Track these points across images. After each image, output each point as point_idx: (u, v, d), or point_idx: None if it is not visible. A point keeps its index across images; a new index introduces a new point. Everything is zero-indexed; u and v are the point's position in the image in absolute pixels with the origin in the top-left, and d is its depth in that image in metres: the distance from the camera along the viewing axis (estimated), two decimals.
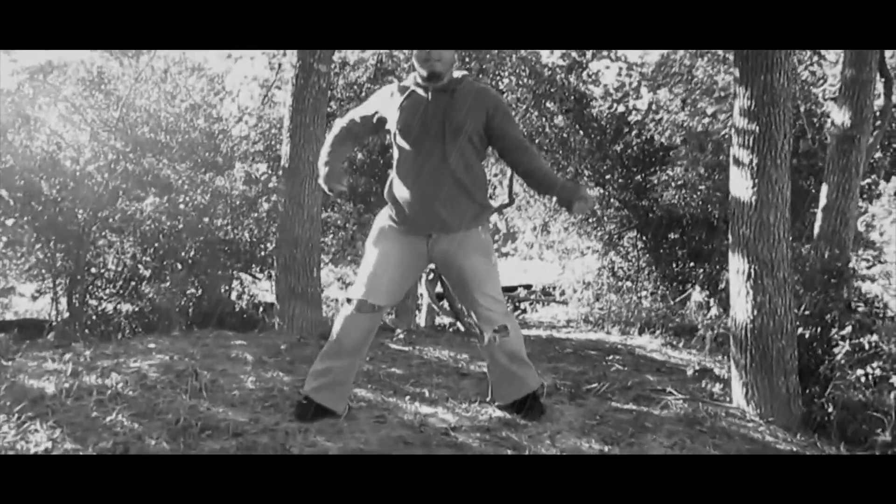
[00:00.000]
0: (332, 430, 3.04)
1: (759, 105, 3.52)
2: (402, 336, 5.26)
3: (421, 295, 8.21)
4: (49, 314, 7.09)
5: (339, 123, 3.08)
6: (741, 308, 3.67)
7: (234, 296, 7.49)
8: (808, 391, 3.88)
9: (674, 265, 10.31)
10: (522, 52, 10.87)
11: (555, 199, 2.77)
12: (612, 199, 10.73)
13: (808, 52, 8.38)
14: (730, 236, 3.78)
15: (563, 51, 10.46)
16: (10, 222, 6.81)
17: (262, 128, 7.82)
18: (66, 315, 6.84)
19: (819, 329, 4.08)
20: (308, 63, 5.10)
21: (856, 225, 4.81)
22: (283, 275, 5.25)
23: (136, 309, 6.98)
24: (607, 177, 10.79)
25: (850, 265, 4.42)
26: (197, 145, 6.86)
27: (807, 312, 4.12)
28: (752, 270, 3.61)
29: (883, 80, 5.53)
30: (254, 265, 7.43)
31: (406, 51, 8.89)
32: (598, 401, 3.81)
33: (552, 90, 10.44)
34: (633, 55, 12.78)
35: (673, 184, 9.63)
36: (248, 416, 3.24)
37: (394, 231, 2.94)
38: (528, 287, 11.54)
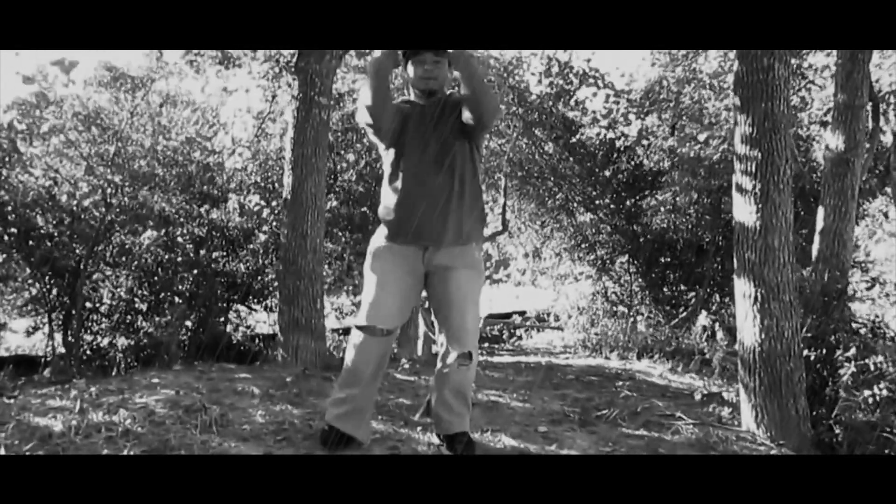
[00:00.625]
0: None
1: (761, 132, 3.59)
2: (406, 366, 5.26)
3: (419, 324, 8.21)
4: (45, 349, 7.02)
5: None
6: (749, 332, 3.71)
7: (230, 328, 7.46)
8: (815, 413, 3.91)
9: (665, 289, 10.39)
10: (511, 80, 11.02)
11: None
12: (602, 225, 10.83)
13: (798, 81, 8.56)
14: (734, 261, 3.83)
15: (551, 78, 10.64)
16: (1, 258, 6.78)
17: (258, 159, 7.83)
18: (62, 350, 6.78)
19: (823, 351, 4.13)
20: (308, 96, 5.15)
21: (852, 247, 4.87)
22: (287, 306, 5.23)
23: (132, 343, 6.94)
24: (598, 202, 10.89)
25: (850, 287, 4.49)
26: (193, 178, 6.87)
27: (808, 335, 4.16)
28: (759, 294, 3.65)
29: (871, 104, 5.66)
30: (251, 297, 7.40)
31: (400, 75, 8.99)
32: (609, 427, 3.82)
33: (542, 118, 10.58)
34: (619, 82, 12.95)
35: (662, 208, 9.73)
36: (261, 450, 3.22)
37: (389, 250, 2.94)
38: (522, 313, 11.54)
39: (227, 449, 3.21)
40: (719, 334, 5.16)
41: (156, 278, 6.50)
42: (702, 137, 7.76)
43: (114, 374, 6.20)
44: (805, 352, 3.98)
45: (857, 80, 4.77)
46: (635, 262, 10.44)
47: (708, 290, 9.88)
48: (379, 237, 3.01)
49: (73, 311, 6.70)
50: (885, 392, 3.80)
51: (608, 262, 10.78)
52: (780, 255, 3.61)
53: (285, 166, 5.43)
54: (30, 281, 7.09)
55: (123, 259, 6.67)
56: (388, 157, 2.98)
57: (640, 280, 10.44)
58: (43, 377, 6.20)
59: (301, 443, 3.30)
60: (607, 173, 10.57)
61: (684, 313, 9.43)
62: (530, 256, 12.28)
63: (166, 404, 3.90)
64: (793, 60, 3.90)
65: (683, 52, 10.07)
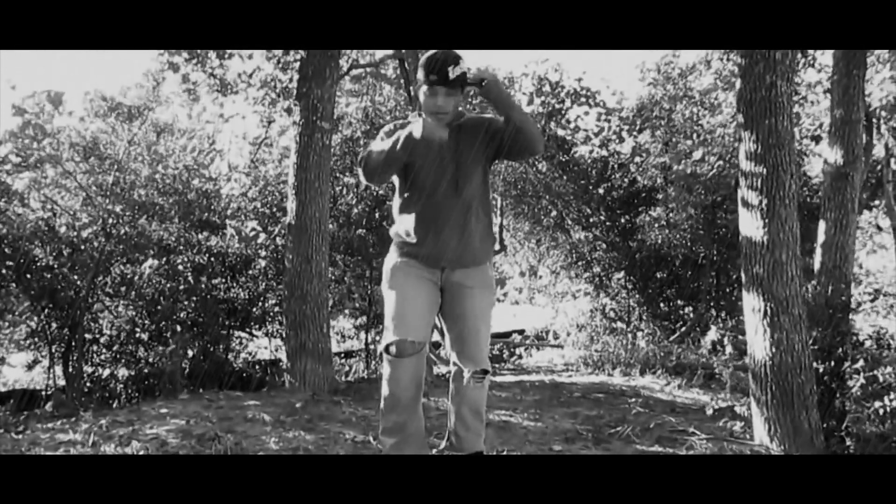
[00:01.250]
0: None
1: (765, 148, 3.64)
2: None
3: None
4: (45, 383, 6.95)
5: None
6: (759, 346, 3.73)
7: (231, 355, 7.42)
8: (825, 425, 3.93)
9: (663, 304, 10.43)
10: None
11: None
12: (598, 242, 10.88)
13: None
14: (743, 276, 3.86)
15: (543, 98, 10.75)
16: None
17: (258, 185, 7.85)
18: (62, 383, 6.72)
19: (831, 363, 4.15)
20: (311, 121, 5.18)
21: (853, 259, 4.92)
22: (293, 331, 5.22)
23: (133, 373, 6.89)
24: (592, 219, 10.95)
25: (853, 300, 4.53)
26: (192, 205, 6.87)
27: (815, 347, 4.19)
28: (768, 308, 3.67)
29: (865, 119, 5.73)
30: (251, 323, 7.38)
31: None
32: (623, 444, 3.83)
33: None
34: (610, 100, 13.07)
35: (656, 224, 9.79)
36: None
37: (407, 265, 2.93)
38: (521, 332, 11.54)
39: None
40: (728, 349, 5.17)
41: (158, 307, 6.45)
42: (697, 154, 7.83)
43: (115, 405, 6.16)
44: (813, 364, 4.01)
45: (854, 95, 4.85)
46: (631, 278, 10.49)
47: (705, 305, 9.94)
48: (394, 255, 2.99)
49: (74, 343, 6.65)
50: (894, 403, 3.82)
51: (605, 278, 10.81)
52: (788, 269, 3.64)
53: (289, 191, 5.44)
54: (27, 314, 7.03)
55: (124, 289, 6.63)
56: (401, 181, 2.98)
57: (637, 296, 10.48)
58: (45, 411, 6.14)
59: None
60: (601, 191, 10.65)
61: (683, 328, 9.47)
62: (526, 275, 12.31)
63: (178, 434, 3.88)
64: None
65: (678, 71, 10.19)
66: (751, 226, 3.74)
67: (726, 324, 8.54)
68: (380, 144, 2.80)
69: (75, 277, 6.51)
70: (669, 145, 9.29)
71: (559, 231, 11.52)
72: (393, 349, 2.83)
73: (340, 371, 7.78)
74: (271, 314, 7.49)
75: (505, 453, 3.60)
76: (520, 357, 10.17)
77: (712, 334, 5.95)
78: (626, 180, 10.46)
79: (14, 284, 6.51)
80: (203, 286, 6.81)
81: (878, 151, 8.60)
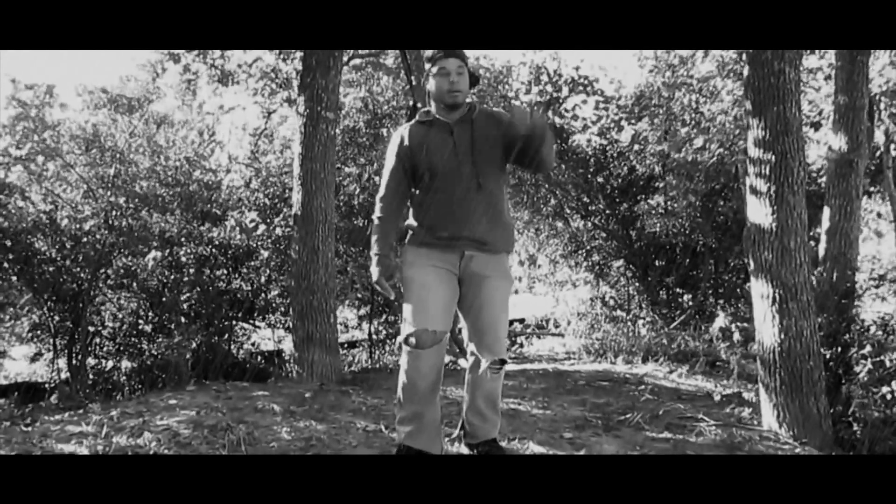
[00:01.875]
0: None
1: (774, 135, 3.65)
2: None
3: None
4: (49, 376, 6.96)
5: (378, 206, 3.02)
6: (768, 332, 3.75)
7: (234, 346, 7.43)
8: (832, 411, 3.96)
9: (662, 292, 10.47)
10: (500, 89, 11.12)
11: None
12: (597, 230, 10.91)
13: None
14: (751, 262, 3.88)
15: (540, 87, 10.74)
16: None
17: (261, 176, 7.83)
18: (67, 375, 6.72)
19: (838, 349, 4.18)
20: (315, 111, 5.16)
21: (859, 245, 4.94)
22: (301, 322, 5.22)
23: (137, 365, 6.90)
24: (591, 208, 10.97)
25: (858, 286, 4.56)
26: (194, 197, 6.85)
27: (820, 333, 4.22)
28: (777, 295, 3.69)
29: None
30: (255, 313, 7.38)
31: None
32: (633, 431, 3.85)
33: None
34: (608, 88, 13.06)
35: (653, 212, 9.80)
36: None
37: (425, 257, 2.93)
38: (521, 321, 11.58)
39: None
40: (736, 335, 5.20)
41: (164, 299, 6.45)
42: (698, 142, 7.84)
43: (120, 397, 6.16)
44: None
45: (858, 82, 4.86)
46: (631, 266, 10.53)
47: (704, 292, 9.98)
48: (411, 247, 2.99)
49: (77, 336, 6.65)
50: None
51: (604, 267, 10.85)
52: (797, 256, 3.66)
53: (294, 182, 5.43)
54: (28, 307, 7.03)
55: (127, 281, 6.62)
56: (422, 177, 2.95)
57: (636, 284, 10.52)
58: (50, 403, 6.14)
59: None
60: (600, 179, 10.66)
61: (683, 316, 9.51)
62: (525, 264, 12.33)
63: (189, 425, 3.88)
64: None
65: (676, 59, 10.18)
66: (759, 213, 3.76)
67: (726, 310, 8.60)
68: (373, 238, 3.02)
69: (78, 270, 6.50)
70: (669, 133, 9.29)
71: (558, 220, 11.54)
72: (413, 340, 2.83)
73: (344, 361, 7.78)
74: (274, 305, 7.50)
75: (517, 440, 3.62)
76: (521, 346, 10.20)
77: (720, 321, 5.95)
78: (624, 168, 10.47)
79: (16, 278, 6.50)
80: (206, 278, 6.80)
81: (878, 138, 8.64)
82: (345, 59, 7.18)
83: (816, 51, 8.16)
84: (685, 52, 10.40)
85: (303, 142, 5.26)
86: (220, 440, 3.57)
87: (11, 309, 7.15)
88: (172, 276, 6.57)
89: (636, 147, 9.97)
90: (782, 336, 3.70)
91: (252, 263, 7.46)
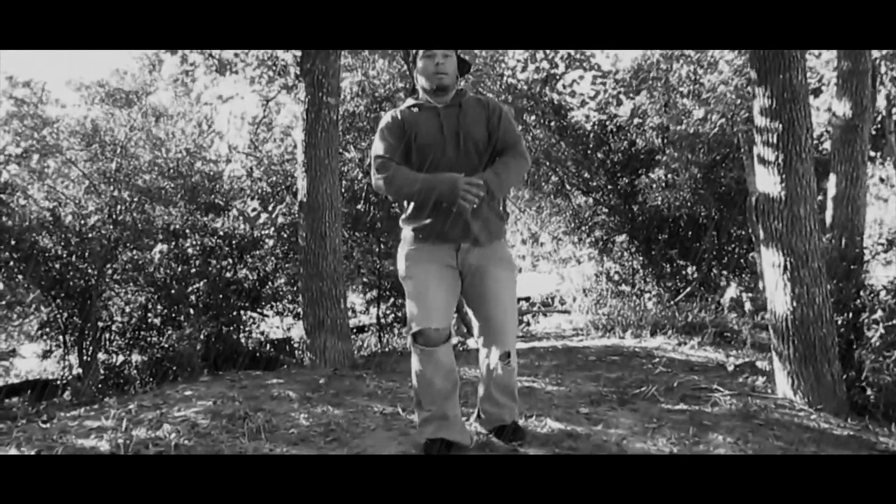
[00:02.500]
0: None
1: (780, 103, 3.64)
2: None
3: None
4: (60, 372, 6.98)
5: (380, 162, 2.90)
6: (780, 300, 3.77)
7: (243, 335, 7.45)
8: (846, 377, 3.98)
9: (666, 265, 10.49)
10: (498, 69, 11.06)
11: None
12: (599, 206, 10.91)
13: None
14: (760, 232, 3.88)
15: (537, 64, 10.67)
16: (2, 285, 6.73)
17: (263, 165, 7.82)
18: (78, 371, 6.75)
19: (849, 315, 4.20)
20: (317, 97, 5.14)
21: (866, 212, 4.94)
22: (311, 308, 5.23)
23: (147, 358, 6.92)
24: (593, 183, 10.96)
25: (867, 251, 4.56)
26: (197, 188, 6.85)
27: (832, 300, 4.23)
28: (788, 263, 3.70)
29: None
30: (263, 302, 7.39)
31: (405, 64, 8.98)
32: (649, 404, 3.87)
33: (531, 105, 10.62)
34: (605, 63, 13.01)
35: (655, 186, 9.79)
36: (314, 452, 3.24)
37: (422, 250, 2.92)
38: (527, 299, 11.61)
39: (281, 454, 3.23)
40: (748, 306, 5.22)
41: (172, 292, 6.46)
42: (699, 114, 7.81)
43: (132, 391, 6.19)
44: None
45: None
46: (634, 241, 10.53)
47: (708, 264, 10.01)
48: (407, 241, 2.98)
49: (87, 331, 6.67)
50: None
51: (608, 242, 10.85)
52: (807, 224, 3.67)
53: (298, 170, 5.42)
54: (36, 305, 7.05)
55: (134, 275, 6.63)
56: (412, 162, 2.92)
57: (640, 258, 10.53)
58: (64, 400, 6.17)
59: (351, 442, 3.33)
60: (600, 155, 10.64)
61: (688, 288, 9.53)
62: (528, 242, 12.34)
63: (207, 415, 3.90)
64: None
65: None
66: (768, 182, 3.75)
67: (731, 281, 8.62)
68: (408, 182, 2.79)
69: (84, 266, 6.50)
70: (668, 105, 9.26)
71: (560, 197, 11.53)
72: (421, 339, 2.85)
73: (354, 346, 7.81)
74: (281, 292, 7.51)
75: (533, 417, 3.64)
76: (527, 324, 10.23)
77: (731, 291, 5.97)
78: (624, 143, 10.45)
79: (22, 276, 6.51)
80: (212, 269, 6.81)
81: (879, 103, 8.60)
82: None
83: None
84: None
85: (305, 129, 5.24)
86: (239, 429, 3.59)
87: (19, 307, 7.16)
88: (179, 269, 6.58)
89: (636, 121, 9.94)
90: (795, 304, 3.71)
91: (257, 252, 7.47)
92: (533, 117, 10.85)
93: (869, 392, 3.94)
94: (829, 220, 4.91)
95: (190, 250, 6.67)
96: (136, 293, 6.96)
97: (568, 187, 11.52)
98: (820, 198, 4.36)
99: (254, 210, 8.04)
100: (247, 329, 7.39)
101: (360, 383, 4.66)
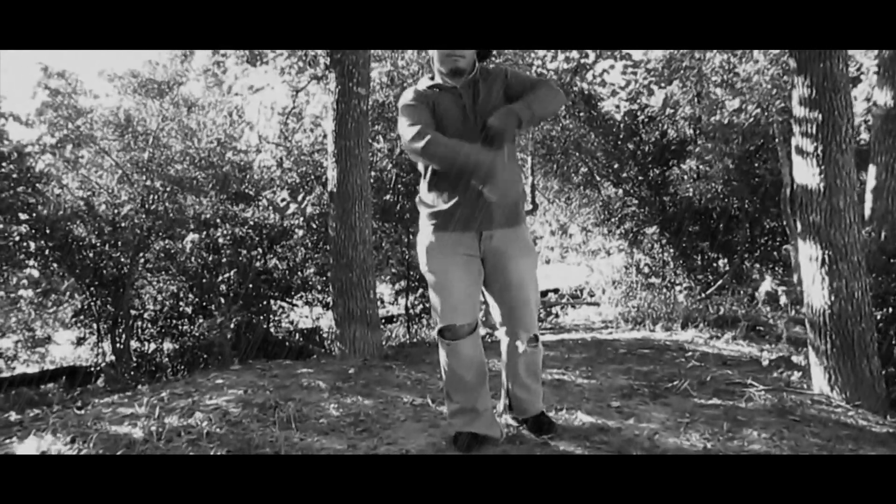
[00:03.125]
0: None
1: (820, 92, 3.55)
2: None
3: None
4: (94, 359, 7.09)
5: (416, 131, 2.72)
6: (818, 295, 3.69)
7: (273, 325, 7.51)
8: (885, 372, 3.89)
9: (697, 258, 10.36)
10: (527, 58, 10.97)
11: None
12: (629, 197, 10.79)
13: None
14: (798, 225, 3.80)
15: (567, 54, 10.57)
16: (38, 273, 6.83)
17: (293, 155, 7.84)
18: (111, 359, 6.85)
19: (889, 310, 4.10)
20: (348, 87, 5.13)
21: None
22: (341, 299, 5.24)
23: (178, 346, 7.00)
24: (623, 174, 10.85)
25: None
26: (228, 178, 6.89)
27: (870, 293, 4.14)
28: (826, 256, 3.62)
29: None
30: (292, 292, 7.44)
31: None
32: (682, 398, 3.82)
33: None
34: (637, 53, 12.82)
35: (685, 177, 9.66)
36: (344, 443, 3.24)
37: (442, 240, 2.86)
38: (555, 291, 11.55)
39: (311, 444, 3.24)
40: (783, 299, 5.13)
41: (203, 281, 6.52)
42: (734, 104, 7.67)
43: (163, 378, 6.27)
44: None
45: None
46: (665, 233, 10.41)
47: (740, 257, 9.86)
48: (427, 232, 2.92)
49: (120, 319, 6.76)
50: None
51: (638, 234, 10.74)
52: (846, 216, 3.58)
53: (328, 160, 5.42)
54: (70, 293, 7.16)
55: (166, 264, 6.70)
56: None
57: (671, 250, 10.41)
58: (97, 387, 6.27)
59: (381, 433, 3.33)
60: (631, 145, 10.53)
61: (720, 281, 9.40)
62: (557, 233, 12.27)
63: (238, 403, 3.93)
64: None
65: None
66: (806, 173, 3.67)
67: (763, 274, 8.48)
68: (451, 149, 2.61)
69: (118, 254, 6.59)
70: (702, 95, 9.12)
71: (589, 188, 11.43)
72: (447, 334, 2.83)
73: (382, 336, 7.84)
74: (310, 282, 7.55)
75: (564, 410, 3.61)
76: (556, 316, 10.17)
77: (766, 285, 5.87)
78: (656, 134, 10.32)
79: (57, 264, 6.61)
80: (242, 258, 6.86)
81: None
82: None
83: None
84: None
85: (335, 119, 5.23)
86: (270, 418, 3.61)
87: (54, 295, 7.27)
88: (210, 258, 6.63)
89: (668, 111, 9.81)
90: (832, 298, 3.63)
91: (287, 242, 7.51)
92: (563, 107, 10.77)
93: None
94: (868, 212, 4.80)
95: (221, 240, 6.72)
96: (168, 282, 7.04)
97: (597, 178, 11.42)
98: (858, 189, 4.26)
99: (283, 200, 8.07)
100: (276, 318, 7.44)
101: (390, 374, 4.66)
